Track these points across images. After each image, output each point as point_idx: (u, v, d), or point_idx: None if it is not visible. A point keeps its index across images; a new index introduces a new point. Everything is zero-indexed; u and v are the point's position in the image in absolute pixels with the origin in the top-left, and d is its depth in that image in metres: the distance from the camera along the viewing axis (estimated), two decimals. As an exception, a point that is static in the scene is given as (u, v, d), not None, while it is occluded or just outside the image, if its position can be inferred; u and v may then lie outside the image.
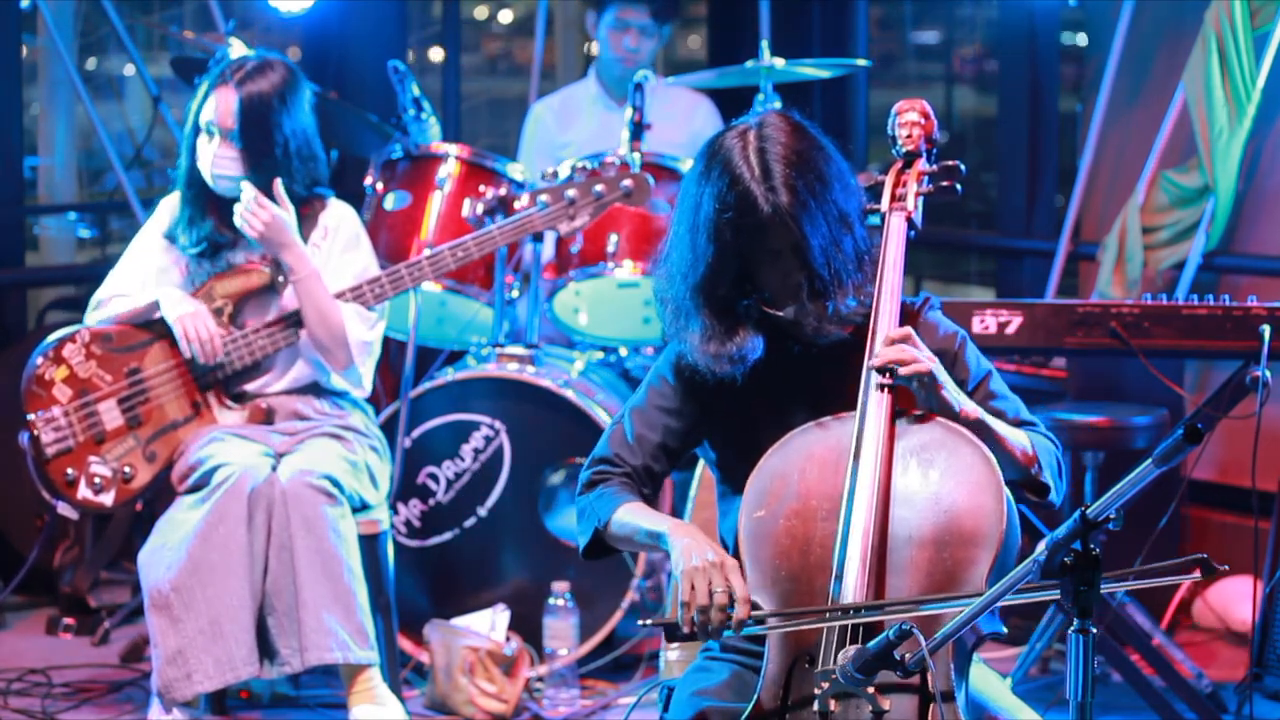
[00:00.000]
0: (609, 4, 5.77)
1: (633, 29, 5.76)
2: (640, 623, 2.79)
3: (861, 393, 2.81)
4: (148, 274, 4.49)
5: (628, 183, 4.58)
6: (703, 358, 2.89)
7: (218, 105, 4.36)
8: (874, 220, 2.98)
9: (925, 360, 2.78)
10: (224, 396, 4.44)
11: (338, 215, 4.53)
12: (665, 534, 2.80)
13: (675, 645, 3.00)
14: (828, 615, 2.67)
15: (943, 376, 2.79)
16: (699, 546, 2.75)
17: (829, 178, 2.84)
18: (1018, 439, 2.85)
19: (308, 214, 4.48)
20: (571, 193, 4.56)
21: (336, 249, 4.50)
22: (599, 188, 4.56)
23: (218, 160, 4.37)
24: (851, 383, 2.84)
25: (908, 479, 2.76)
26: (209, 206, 4.43)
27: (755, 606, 2.72)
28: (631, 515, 2.88)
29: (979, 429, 2.80)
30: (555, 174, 4.63)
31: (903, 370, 2.76)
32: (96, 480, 4.34)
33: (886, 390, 2.79)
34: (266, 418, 4.44)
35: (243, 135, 4.35)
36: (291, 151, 4.39)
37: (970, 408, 2.81)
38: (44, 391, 4.35)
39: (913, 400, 2.85)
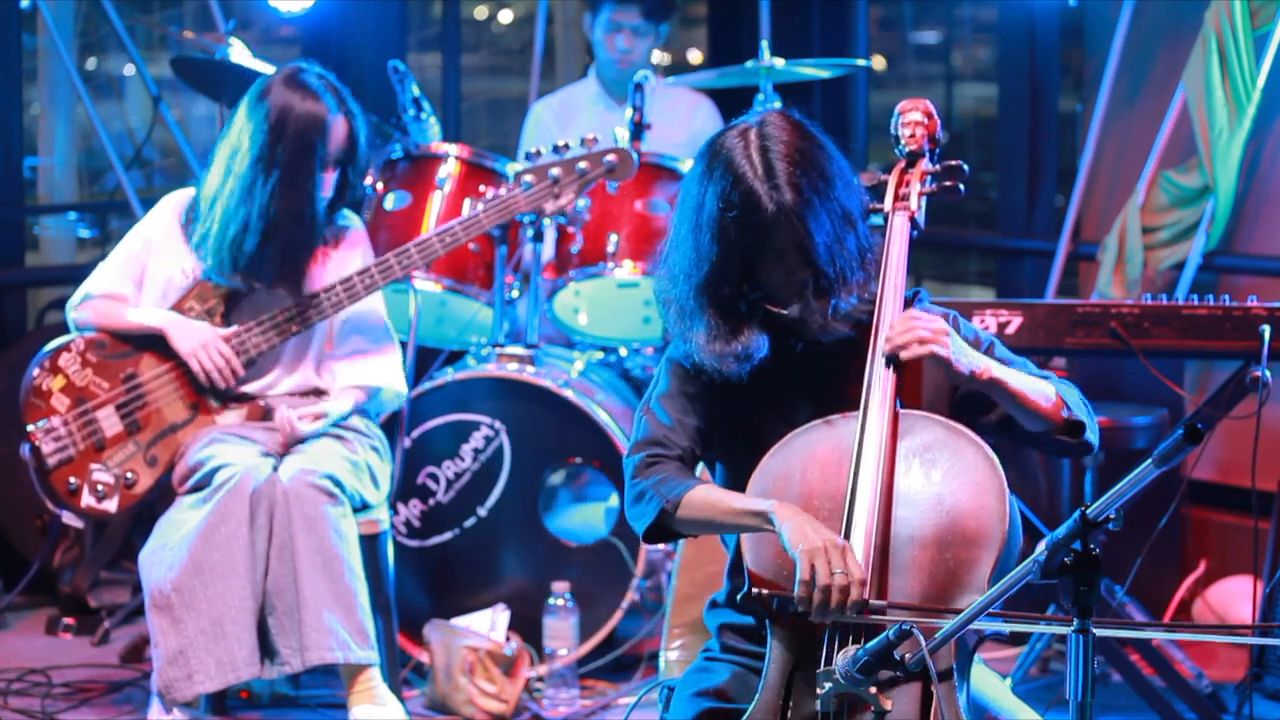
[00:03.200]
0: (602, 5, 5.77)
1: (625, 29, 5.76)
2: (755, 591, 2.70)
3: (865, 392, 2.81)
4: (151, 279, 4.46)
5: (611, 157, 4.56)
6: (708, 357, 2.88)
7: (336, 134, 4.36)
8: (877, 220, 2.98)
9: (932, 319, 2.77)
10: (223, 396, 4.43)
11: (343, 219, 4.54)
12: (770, 512, 2.73)
13: (775, 635, 2.82)
14: (946, 615, 2.61)
15: (955, 336, 2.78)
16: (815, 525, 2.70)
17: (831, 175, 2.84)
18: (1039, 387, 2.82)
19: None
20: (555, 171, 4.55)
21: (336, 253, 4.50)
22: (583, 165, 4.55)
23: (326, 188, 4.41)
24: (855, 381, 2.84)
25: (910, 479, 2.76)
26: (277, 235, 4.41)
27: None
28: (712, 495, 2.83)
29: (998, 387, 2.78)
30: (539, 153, 4.60)
31: (917, 326, 2.74)
32: (99, 487, 4.34)
33: (894, 372, 2.78)
34: (264, 415, 4.44)
35: (347, 159, 4.40)
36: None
37: (983, 365, 2.79)
38: (42, 402, 4.35)
39: (917, 396, 2.84)
